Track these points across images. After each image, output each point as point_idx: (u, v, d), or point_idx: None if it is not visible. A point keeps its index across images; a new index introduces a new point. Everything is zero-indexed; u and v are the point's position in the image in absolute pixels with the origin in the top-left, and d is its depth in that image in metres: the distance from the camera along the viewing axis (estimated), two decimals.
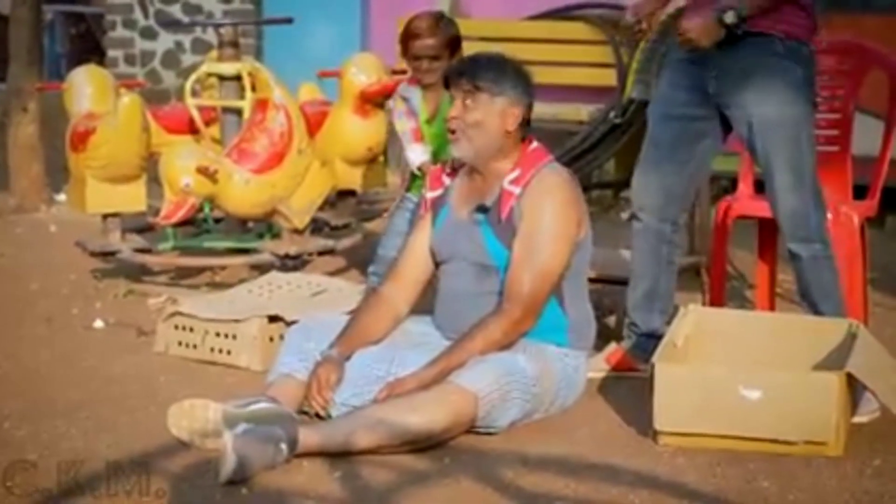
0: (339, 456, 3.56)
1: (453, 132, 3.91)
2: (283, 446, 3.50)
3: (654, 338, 4.28)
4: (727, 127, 4.24)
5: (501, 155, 3.93)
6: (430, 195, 4.11)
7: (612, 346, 4.43)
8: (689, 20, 4.02)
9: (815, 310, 4.18)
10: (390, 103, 4.93)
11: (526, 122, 3.95)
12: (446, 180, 4.09)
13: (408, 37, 4.65)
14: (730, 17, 3.98)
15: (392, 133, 6.22)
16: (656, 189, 4.28)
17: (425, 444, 3.62)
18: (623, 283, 4.66)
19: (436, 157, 4.64)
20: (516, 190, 3.89)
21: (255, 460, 3.43)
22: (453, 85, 3.93)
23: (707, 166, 4.39)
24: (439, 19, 4.72)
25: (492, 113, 3.89)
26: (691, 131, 4.24)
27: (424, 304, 4.12)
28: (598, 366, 4.32)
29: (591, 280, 4.23)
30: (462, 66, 3.97)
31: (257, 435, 3.48)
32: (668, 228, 4.32)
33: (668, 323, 4.22)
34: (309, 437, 3.57)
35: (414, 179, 4.77)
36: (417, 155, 4.72)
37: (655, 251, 4.33)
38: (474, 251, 3.93)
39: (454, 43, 4.67)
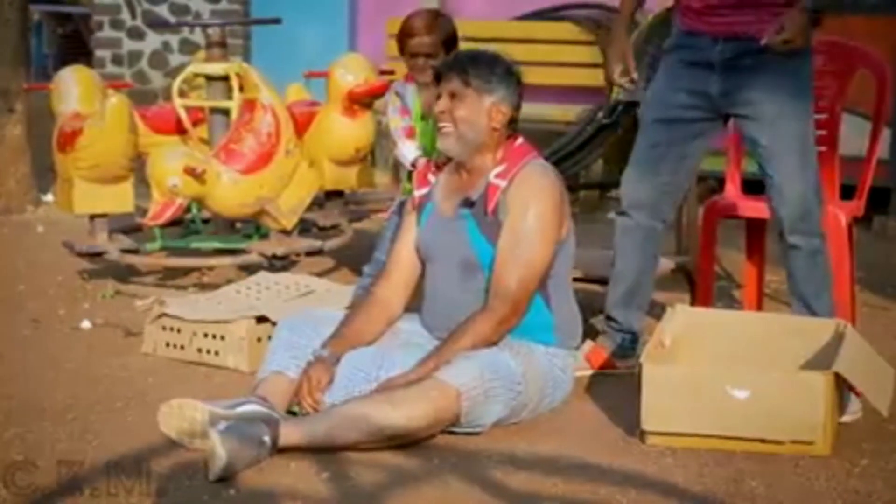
0: (327, 456, 3.56)
1: (441, 127, 3.93)
2: (266, 439, 3.51)
3: (631, 334, 4.37)
4: (723, 126, 4.31)
5: (487, 151, 3.94)
6: (417, 193, 4.12)
7: (589, 343, 4.43)
8: (786, 26, 4.01)
9: (807, 306, 4.18)
10: (386, 97, 4.93)
11: (513, 121, 3.96)
12: (431, 178, 4.10)
13: (404, 35, 4.65)
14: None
15: (379, 133, 6.24)
16: (651, 188, 4.31)
17: (408, 440, 3.62)
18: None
19: (428, 154, 4.64)
20: (502, 183, 3.90)
21: (242, 458, 3.44)
22: (444, 80, 3.94)
23: (699, 163, 4.42)
24: (436, 17, 4.73)
25: (480, 110, 3.90)
26: (690, 131, 4.28)
27: (414, 302, 4.12)
28: (578, 364, 4.32)
29: (579, 280, 4.23)
30: (453, 62, 3.98)
31: (241, 432, 3.48)
32: (659, 226, 4.36)
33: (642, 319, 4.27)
34: (291, 433, 3.58)
35: (409, 177, 4.76)
36: (410, 152, 4.71)
37: (643, 249, 4.36)
38: (458, 247, 3.93)
39: (450, 41, 4.67)
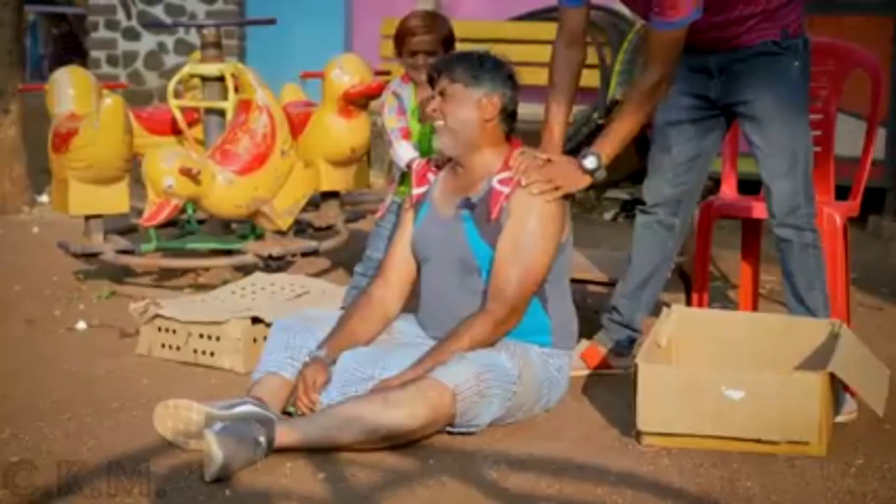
0: (322, 457, 3.56)
1: (435, 126, 3.95)
2: (262, 439, 3.51)
3: (630, 330, 4.39)
4: (729, 121, 4.37)
5: (484, 147, 3.94)
6: (415, 192, 4.12)
7: (585, 343, 4.43)
8: (554, 168, 3.96)
9: (799, 300, 4.19)
10: (382, 98, 4.93)
11: (511, 115, 3.97)
12: (431, 177, 4.10)
13: (405, 33, 4.66)
14: (590, 163, 4.03)
15: (375, 134, 6.23)
16: (671, 189, 4.38)
17: (403, 439, 3.63)
18: (606, 284, 4.66)
19: (424, 154, 4.64)
20: (506, 189, 3.90)
21: (238, 458, 3.44)
22: (434, 82, 3.97)
23: (713, 158, 4.46)
24: (435, 16, 4.75)
25: (469, 104, 3.91)
26: (698, 130, 4.35)
27: (410, 301, 4.11)
28: (574, 363, 4.32)
29: (575, 281, 4.23)
30: (440, 62, 4.03)
31: (236, 432, 3.48)
32: (677, 223, 4.40)
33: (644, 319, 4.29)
34: (287, 433, 3.58)
35: (403, 178, 4.75)
36: (406, 152, 4.70)
37: (663, 244, 4.41)
38: (456, 247, 3.93)
39: (448, 40, 4.69)
